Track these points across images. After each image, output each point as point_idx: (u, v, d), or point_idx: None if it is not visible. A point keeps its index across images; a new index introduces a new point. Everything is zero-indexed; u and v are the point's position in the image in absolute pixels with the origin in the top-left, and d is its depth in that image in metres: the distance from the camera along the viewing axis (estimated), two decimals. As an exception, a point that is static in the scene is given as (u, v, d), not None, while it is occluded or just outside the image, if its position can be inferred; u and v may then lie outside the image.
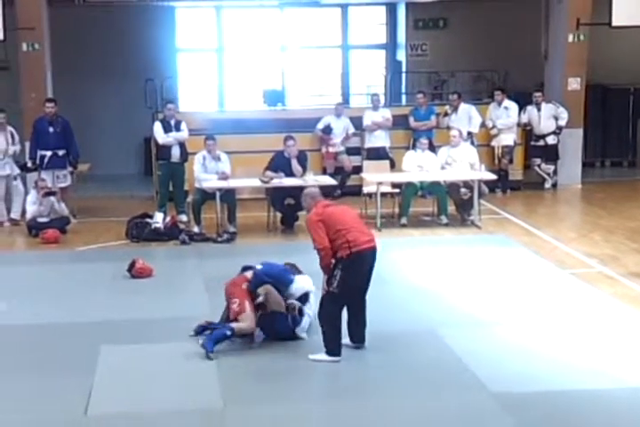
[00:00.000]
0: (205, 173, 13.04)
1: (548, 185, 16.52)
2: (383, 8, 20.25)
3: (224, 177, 13.00)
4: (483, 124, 16.00)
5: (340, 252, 7.47)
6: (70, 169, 14.07)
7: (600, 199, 15.47)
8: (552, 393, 6.92)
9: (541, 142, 16.38)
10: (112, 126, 18.52)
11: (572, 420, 6.46)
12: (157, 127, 13.75)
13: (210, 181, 12.91)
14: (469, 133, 15.57)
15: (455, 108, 15.88)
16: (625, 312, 8.95)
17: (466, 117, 15.80)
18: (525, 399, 6.79)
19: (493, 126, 16.05)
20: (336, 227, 7.53)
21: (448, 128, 15.24)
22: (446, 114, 15.94)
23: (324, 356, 7.55)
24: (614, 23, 15.47)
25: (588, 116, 17.19)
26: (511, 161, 16.22)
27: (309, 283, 8.39)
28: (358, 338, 7.84)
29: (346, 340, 7.76)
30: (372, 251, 7.62)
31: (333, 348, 7.55)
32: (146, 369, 7.57)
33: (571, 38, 16.32)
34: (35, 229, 12.93)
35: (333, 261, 7.54)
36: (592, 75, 17.07)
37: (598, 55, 17.46)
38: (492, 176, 13.88)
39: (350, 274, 7.49)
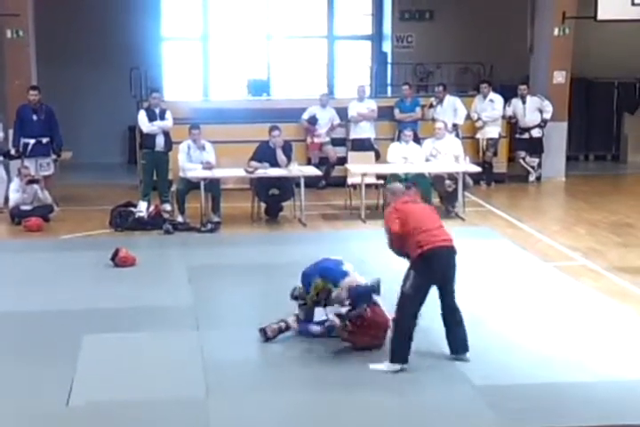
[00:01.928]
0: (190, 163, 13.01)
1: (532, 178, 16.56)
2: (369, -1, 20.24)
3: (208, 167, 12.96)
4: (468, 117, 16.02)
5: (411, 253, 7.20)
6: (54, 157, 14.00)
7: (584, 193, 15.51)
8: (534, 386, 6.94)
9: (526, 135, 16.42)
10: (96, 115, 18.43)
11: (554, 412, 6.47)
12: (142, 116, 13.68)
13: (194, 171, 12.88)
14: (455, 125, 15.60)
15: (440, 100, 15.89)
16: (607, 306, 8.98)
17: (451, 109, 15.81)
18: (508, 392, 6.81)
19: (478, 119, 16.07)
20: (410, 224, 7.24)
21: (433, 120, 15.27)
22: (431, 106, 15.95)
23: (385, 365, 7.18)
24: (599, 17, 15.49)
25: (573, 109, 17.23)
26: (495, 154, 16.25)
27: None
28: (459, 348, 7.41)
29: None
30: (448, 250, 7.26)
31: (397, 355, 7.16)
32: (128, 358, 7.55)
33: (556, 32, 16.35)
34: (17, 217, 12.87)
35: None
36: (577, 68, 17.11)
37: (583, 49, 17.50)
38: (477, 168, 13.91)
39: (423, 274, 7.14)
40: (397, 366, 7.16)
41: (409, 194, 7.74)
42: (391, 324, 7.34)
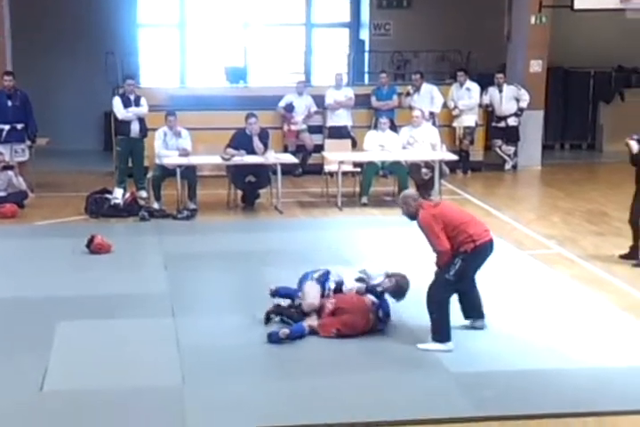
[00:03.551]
0: (166, 150, 12.96)
1: (508, 166, 16.61)
2: (347, -14, 20.19)
3: (184, 154, 12.92)
4: (445, 105, 16.03)
5: (463, 246, 7.28)
6: (29, 143, 13.90)
7: (559, 181, 15.58)
8: (509, 373, 6.98)
9: (502, 124, 16.45)
10: (72, 101, 18.31)
11: (528, 399, 6.51)
12: (117, 102, 13.61)
13: (170, 158, 12.84)
14: (431, 114, 15.62)
15: (417, 88, 15.89)
16: (582, 294, 9.03)
17: (428, 98, 15.83)
18: (483, 379, 6.84)
19: (455, 107, 16.08)
20: (453, 223, 7.32)
21: (410, 108, 15.28)
22: (408, 94, 15.95)
23: (436, 345, 7.38)
24: (576, 6, 15.52)
25: (549, 98, 17.29)
26: (472, 142, 16.28)
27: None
28: (477, 314, 7.79)
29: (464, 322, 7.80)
30: (492, 243, 7.48)
31: (445, 335, 7.39)
32: (103, 345, 7.52)
33: (533, 20, 16.38)
34: (-8, 203, 12.79)
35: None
36: (554, 57, 17.17)
37: (560, 38, 17.54)
38: (453, 157, 13.94)
39: (470, 265, 7.37)
40: (450, 344, 7.38)
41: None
42: (427, 308, 7.47)
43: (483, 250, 7.40)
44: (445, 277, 7.38)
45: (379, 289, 7.86)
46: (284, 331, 7.55)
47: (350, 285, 8.00)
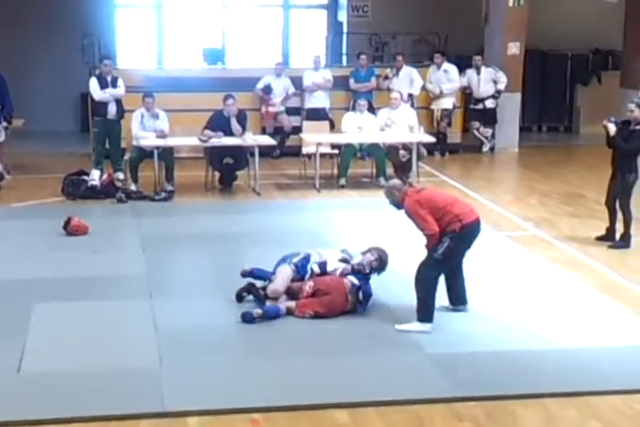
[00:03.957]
0: (143, 131, 12.90)
1: (485, 148, 16.64)
2: (325, -33, 20.10)
3: (162, 135, 12.87)
4: (423, 88, 16.02)
5: (450, 226, 7.36)
6: (4, 124, 13.78)
7: (536, 163, 15.63)
8: (486, 353, 7.02)
9: (480, 106, 16.47)
10: (48, 82, 18.15)
11: (506, 379, 6.56)
12: (93, 83, 13.49)
13: (148, 139, 12.78)
14: (410, 96, 15.62)
15: (398, 70, 15.87)
16: (558, 275, 9.09)
17: (407, 80, 15.82)
18: (460, 359, 6.88)
19: (441, 92, 16.04)
20: (438, 206, 7.42)
21: (388, 90, 15.26)
22: (387, 77, 15.92)
23: (415, 325, 7.42)
24: (555, -12, 15.58)
25: (527, 80, 17.31)
26: (450, 124, 16.29)
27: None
28: (460, 300, 7.87)
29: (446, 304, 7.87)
30: (479, 222, 7.58)
31: (427, 315, 7.43)
32: (81, 327, 7.51)
33: (511, 3, 16.38)
34: (-33, 184, 12.71)
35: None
36: (531, 40, 17.18)
37: (538, 20, 17.56)
38: (431, 139, 13.95)
39: (458, 245, 7.45)
40: (429, 325, 7.41)
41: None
42: (415, 286, 7.49)
43: (470, 229, 7.47)
44: (434, 256, 7.43)
45: (366, 269, 7.88)
46: (258, 311, 7.58)
47: (334, 266, 8.01)
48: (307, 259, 8.09)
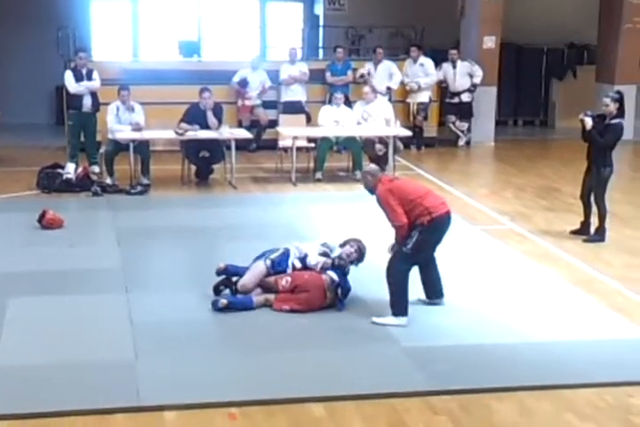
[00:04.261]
0: (119, 124, 12.84)
1: (461, 142, 16.69)
2: (301, -40, 20.08)
3: (137, 128, 12.82)
4: (402, 82, 16.04)
5: (419, 219, 7.37)
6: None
7: (512, 157, 15.69)
8: (461, 347, 7.05)
9: (456, 100, 16.51)
10: (23, 74, 18.05)
11: (481, 373, 6.58)
12: (68, 76, 13.42)
13: (123, 133, 12.73)
14: (388, 89, 15.64)
15: (377, 64, 15.86)
16: (533, 269, 9.13)
17: (386, 73, 15.83)
18: (436, 353, 6.90)
19: (419, 87, 16.03)
20: (409, 197, 7.43)
21: (365, 84, 15.23)
22: (362, 75, 15.85)
23: (390, 319, 7.43)
24: (530, -18, 15.64)
25: (502, 74, 17.36)
26: (426, 118, 16.32)
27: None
28: (436, 294, 7.89)
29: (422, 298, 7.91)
30: (449, 215, 7.57)
31: (401, 309, 7.44)
32: (56, 321, 7.47)
33: (487, -4, 16.43)
34: (-59, 178, 12.61)
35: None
36: (507, 34, 17.24)
37: (513, 14, 17.63)
38: (407, 132, 13.97)
39: (428, 238, 7.45)
40: (404, 319, 7.42)
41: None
42: (386, 280, 7.51)
43: (439, 222, 7.47)
44: (403, 250, 7.44)
45: (347, 261, 7.90)
46: (223, 301, 7.65)
47: (315, 260, 8.00)
48: (286, 254, 8.07)
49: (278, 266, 7.98)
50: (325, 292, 7.75)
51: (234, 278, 8.03)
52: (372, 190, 7.64)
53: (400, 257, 7.49)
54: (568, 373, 6.61)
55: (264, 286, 7.91)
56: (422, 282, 7.87)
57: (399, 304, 7.46)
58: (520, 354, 6.93)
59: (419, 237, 7.40)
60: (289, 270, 7.98)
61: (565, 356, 6.92)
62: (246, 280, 7.90)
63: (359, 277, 8.09)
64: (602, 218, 10.25)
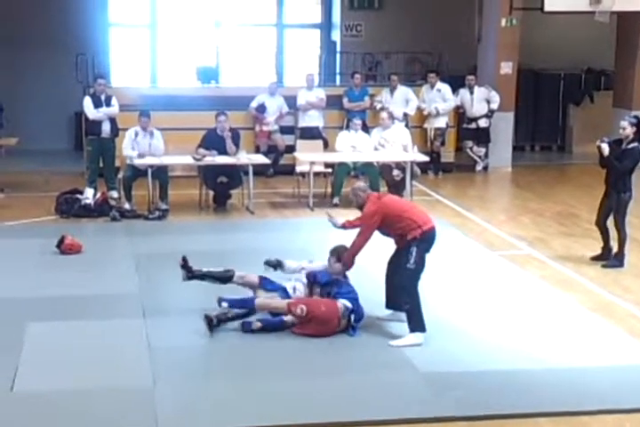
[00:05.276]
0: (133, 150, 12.82)
1: (479, 168, 16.68)
2: (319, -13, 20.20)
3: (143, 155, 12.74)
4: (419, 107, 16.08)
5: (410, 233, 7.61)
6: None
7: (529, 182, 15.67)
8: (479, 373, 7.01)
9: (473, 125, 16.53)
10: (42, 100, 18.16)
11: (498, 399, 6.55)
12: (87, 102, 13.53)
13: (143, 159, 12.73)
14: (405, 115, 15.68)
15: (393, 90, 15.92)
16: (551, 294, 9.09)
17: (402, 99, 15.87)
18: (453, 379, 6.87)
19: (437, 112, 16.07)
20: (396, 212, 7.71)
21: (382, 109, 15.27)
22: (374, 106, 15.88)
23: (408, 338, 7.53)
24: (546, 8, 15.73)
25: (520, 100, 17.37)
26: (443, 143, 16.34)
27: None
28: (398, 306, 7.96)
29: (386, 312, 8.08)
30: (435, 229, 7.81)
31: (418, 324, 7.58)
32: (74, 346, 7.49)
33: (503, 23, 16.46)
34: (-39, 203, 12.69)
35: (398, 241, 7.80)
36: (524, 60, 17.28)
37: (530, 40, 17.67)
38: (425, 158, 13.99)
39: (424, 248, 7.67)
40: (421, 335, 7.54)
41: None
42: (402, 301, 7.68)
43: (430, 235, 7.72)
44: (407, 267, 7.61)
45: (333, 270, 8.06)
46: (257, 324, 7.72)
47: (301, 265, 8.33)
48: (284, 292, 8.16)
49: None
50: (340, 320, 7.75)
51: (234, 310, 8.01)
52: (361, 207, 7.90)
53: (407, 275, 7.63)
54: (587, 399, 6.57)
55: (272, 312, 7.92)
56: (386, 291, 8.04)
57: (417, 320, 7.58)
58: (539, 380, 6.89)
59: (417, 251, 7.60)
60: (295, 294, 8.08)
61: (584, 382, 6.88)
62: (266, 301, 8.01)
63: (374, 302, 8.06)
64: (621, 243, 10.20)
